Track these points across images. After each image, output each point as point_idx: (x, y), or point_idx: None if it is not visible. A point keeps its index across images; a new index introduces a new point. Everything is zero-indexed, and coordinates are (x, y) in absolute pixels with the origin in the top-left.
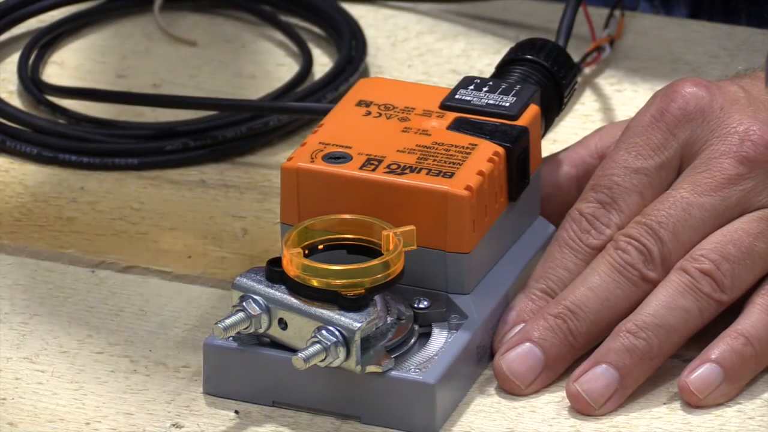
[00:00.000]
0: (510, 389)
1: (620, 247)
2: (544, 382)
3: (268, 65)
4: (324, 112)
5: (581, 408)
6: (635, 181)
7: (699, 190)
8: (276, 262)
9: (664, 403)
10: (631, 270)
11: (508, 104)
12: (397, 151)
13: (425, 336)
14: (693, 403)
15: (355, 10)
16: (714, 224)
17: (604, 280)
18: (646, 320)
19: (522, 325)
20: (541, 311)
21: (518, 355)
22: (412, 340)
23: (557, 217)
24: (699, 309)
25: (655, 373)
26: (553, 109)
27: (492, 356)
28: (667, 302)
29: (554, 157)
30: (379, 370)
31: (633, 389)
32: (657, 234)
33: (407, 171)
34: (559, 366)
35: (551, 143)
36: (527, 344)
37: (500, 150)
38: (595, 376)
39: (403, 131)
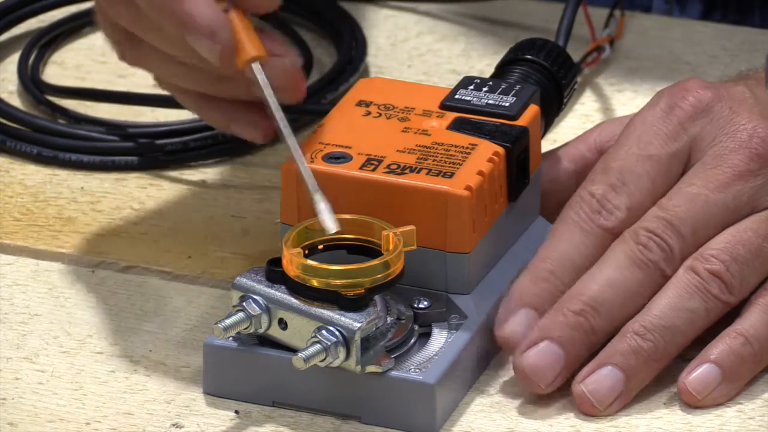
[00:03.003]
0: (531, 389)
1: (641, 242)
2: (563, 380)
3: None
4: (324, 112)
5: (586, 409)
6: (647, 167)
7: (712, 187)
8: (276, 262)
9: (664, 403)
10: (652, 267)
11: (507, 104)
12: (397, 151)
13: (425, 336)
14: (692, 403)
15: (355, 10)
16: (725, 221)
17: (625, 276)
18: (653, 321)
19: (527, 309)
20: (559, 307)
21: (538, 353)
22: (412, 340)
23: (556, 214)
24: (706, 310)
25: None
26: (553, 109)
27: (491, 357)
28: (674, 303)
29: (553, 152)
30: (379, 370)
31: (638, 390)
32: (678, 230)
33: (407, 171)
34: (577, 363)
35: (551, 143)
36: (547, 342)
37: (500, 150)
38: (601, 377)
39: (403, 131)
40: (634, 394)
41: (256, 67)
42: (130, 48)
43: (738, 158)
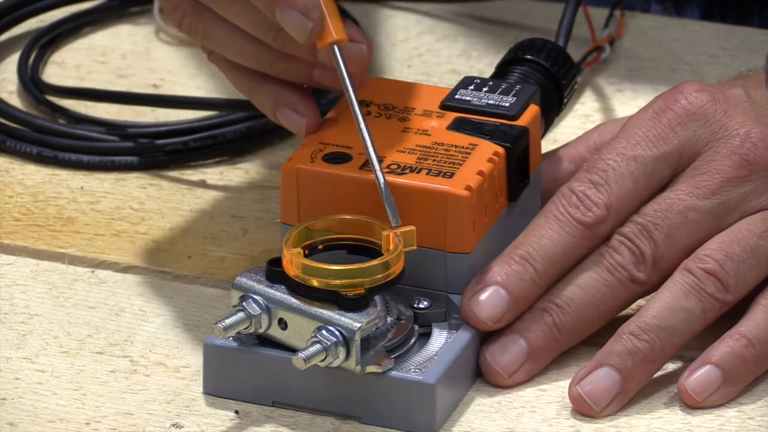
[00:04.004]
0: (493, 379)
1: (613, 246)
2: (527, 374)
3: None
4: (324, 113)
5: (583, 411)
6: (631, 167)
7: (698, 193)
8: (276, 262)
9: (664, 404)
10: (621, 270)
11: (507, 104)
12: (397, 151)
13: (425, 336)
14: (691, 405)
15: (355, 10)
16: (711, 227)
17: (593, 278)
18: (649, 322)
19: (495, 286)
20: (532, 307)
21: (502, 344)
22: (412, 340)
23: None
24: (702, 310)
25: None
26: (553, 109)
27: None
28: (670, 304)
29: (554, 152)
30: (379, 370)
31: (635, 391)
32: (651, 235)
33: (407, 171)
34: (543, 358)
35: (551, 143)
36: (512, 335)
37: (500, 150)
38: (597, 378)
39: (403, 131)
40: (632, 395)
41: (338, 50)
42: (190, 15)
43: (727, 164)
